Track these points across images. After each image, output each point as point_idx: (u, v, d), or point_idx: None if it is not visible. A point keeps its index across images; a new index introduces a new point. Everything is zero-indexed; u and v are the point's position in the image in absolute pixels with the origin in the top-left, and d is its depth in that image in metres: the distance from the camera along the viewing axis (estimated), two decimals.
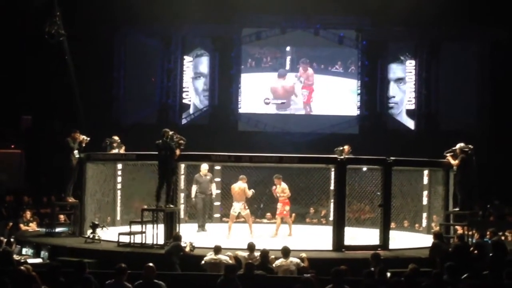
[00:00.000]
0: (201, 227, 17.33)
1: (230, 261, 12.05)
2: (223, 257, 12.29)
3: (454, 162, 15.41)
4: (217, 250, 12.47)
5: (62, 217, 17.30)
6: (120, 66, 28.02)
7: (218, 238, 15.25)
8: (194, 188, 17.40)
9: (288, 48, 28.41)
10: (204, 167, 17.09)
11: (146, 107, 28.02)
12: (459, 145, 15.42)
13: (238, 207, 16.02)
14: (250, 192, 16.12)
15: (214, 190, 17.56)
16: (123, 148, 17.35)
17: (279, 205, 16.40)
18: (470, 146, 15.40)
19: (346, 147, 17.25)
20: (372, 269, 10.77)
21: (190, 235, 14.56)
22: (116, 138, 17.34)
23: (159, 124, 23.98)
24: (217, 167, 18.59)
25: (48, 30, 19.59)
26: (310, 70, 28.15)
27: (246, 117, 28.13)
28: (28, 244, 14.73)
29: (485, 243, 13.52)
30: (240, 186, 16.03)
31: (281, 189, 16.26)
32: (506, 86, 25.95)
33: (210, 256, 12.38)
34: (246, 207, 16.13)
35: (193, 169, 18.25)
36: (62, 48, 21.24)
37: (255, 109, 28.23)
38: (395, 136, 26.77)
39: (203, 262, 12.34)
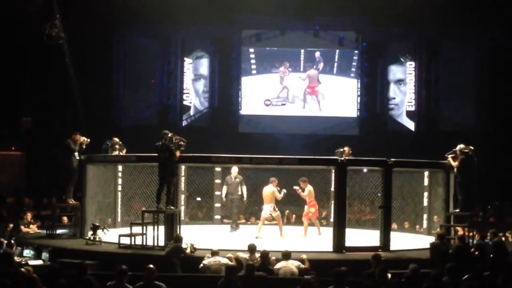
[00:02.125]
0: (233, 228, 17.68)
1: (231, 263, 12.04)
2: (222, 259, 12.27)
3: (454, 163, 15.41)
4: (214, 253, 12.46)
5: (65, 219, 17.29)
6: (120, 67, 28.01)
7: (219, 239, 15.27)
8: (224, 190, 17.66)
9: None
10: (234, 169, 17.24)
11: (146, 108, 28.04)
12: (459, 146, 15.42)
13: (267, 209, 16.21)
14: (280, 195, 16.29)
15: (245, 192, 17.58)
16: (125, 150, 17.36)
17: (305, 207, 16.60)
18: (470, 147, 15.40)
19: (346, 149, 17.27)
20: (373, 270, 10.78)
21: (191, 236, 14.52)
22: (116, 139, 17.36)
23: (159, 126, 23.95)
24: (218, 169, 18.60)
25: (48, 32, 19.59)
26: (312, 71, 28.13)
27: (247, 118, 28.13)
28: (29, 246, 14.71)
29: (486, 244, 13.53)
30: (270, 189, 16.25)
31: (308, 191, 16.39)
32: (505, 86, 25.93)
33: (208, 259, 12.35)
34: (276, 209, 16.31)
35: (194, 171, 18.28)
36: (62, 50, 21.24)
37: (256, 110, 28.22)
38: (396, 138, 26.76)
39: (201, 265, 12.30)
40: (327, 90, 28.15)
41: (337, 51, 28.28)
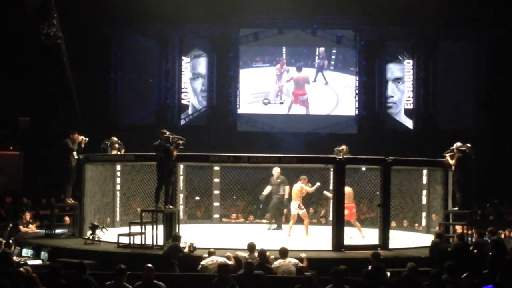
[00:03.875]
0: (278, 227, 17.66)
1: (229, 262, 12.03)
2: (219, 258, 12.24)
3: (452, 161, 15.42)
4: (211, 253, 12.43)
5: (67, 219, 17.23)
6: (118, 67, 28.04)
7: (218, 238, 15.25)
8: (267, 189, 17.65)
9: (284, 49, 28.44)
10: (276, 170, 17.13)
11: (144, 107, 28.04)
12: (456, 144, 15.43)
13: (293, 206, 16.22)
14: (312, 188, 16.23)
15: (287, 192, 17.25)
16: (124, 150, 17.32)
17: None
18: (468, 145, 15.40)
19: (343, 147, 17.21)
20: (371, 268, 10.79)
21: (191, 236, 14.50)
22: (115, 139, 17.31)
23: (157, 125, 23.99)
24: (216, 168, 18.58)
25: (46, 32, 19.54)
26: (301, 74, 28.11)
27: (245, 117, 28.14)
28: (28, 246, 14.70)
29: (485, 242, 13.52)
30: (297, 186, 16.27)
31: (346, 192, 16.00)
32: (503, 85, 25.97)
33: (206, 260, 12.32)
34: (302, 207, 16.26)
35: (192, 170, 18.26)
36: (60, 50, 21.21)
37: (254, 109, 28.22)
38: (394, 136, 26.80)
39: (199, 266, 12.27)
40: (327, 89, 28.17)
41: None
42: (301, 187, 16.18)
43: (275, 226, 17.94)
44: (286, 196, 17.28)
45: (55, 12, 19.71)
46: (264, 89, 28.38)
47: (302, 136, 27.14)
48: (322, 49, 28.22)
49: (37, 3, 21.25)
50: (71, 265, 11.15)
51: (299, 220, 16.56)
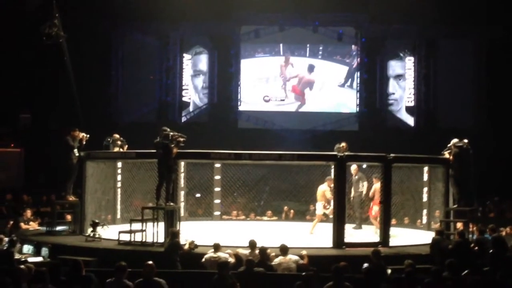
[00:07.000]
0: (358, 226, 17.11)
1: (230, 259, 12.05)
2: (222, 254, 12.29)
3: (450, 157, 15.43)
4: (217, 247, 12.47)
5: (69, 217, 17.22)
6: (119, 64, 28.01)
7: (219, 236, 15.24)
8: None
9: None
10: (353, 167, 16.73)
11: (145, 105, 28.02)
12: (453, 141, 15.45)
13: (319, 207, 16.23)
14: (329, 194, 16.06)
15: (364, 189, 16.69)
16: (126, 147, 17.32)
17: (375, 207, 15.97)
18: (465, 140, 15.40)
19: (343, 144, 17.17)
20: (372, 265, 10.78)
21: (192, 233, 14.49)
22: (117, 136, 17.32)
23: (158, 122, 23.99)
24: (217, 165, 18.57)
25: (47, 32, 19.53)
26: (309, 77, 28.10)
27: (246, 114, 28.12)
28: (28, 243, 14.69)
29: (486, 239, 13.53)
30: (322, 188, 16.27)
31: (374, 189, 15.97)
32: (503, 83, 25.96)
33: (210, 254, 12.38)
34: (327, 206, 16.20)
35: (193, 167, 18.26)
36: (61, 48, 21.20)
37: (255, 106, 28.20)
38: (395, 133, 26.77)
39: (203, 260, 12.34)
40: (326, 85, 28.18)
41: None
42: (324, 191, 16.17)
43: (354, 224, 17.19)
44: (365, 192, 16.71)
45: (57, 12, 19.70)
46: (266, 74, 28.28)
47: (303, 133, 27.12)
48: (354, 46, 28.13)
49: (39, 2, 21.26)
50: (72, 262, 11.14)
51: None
